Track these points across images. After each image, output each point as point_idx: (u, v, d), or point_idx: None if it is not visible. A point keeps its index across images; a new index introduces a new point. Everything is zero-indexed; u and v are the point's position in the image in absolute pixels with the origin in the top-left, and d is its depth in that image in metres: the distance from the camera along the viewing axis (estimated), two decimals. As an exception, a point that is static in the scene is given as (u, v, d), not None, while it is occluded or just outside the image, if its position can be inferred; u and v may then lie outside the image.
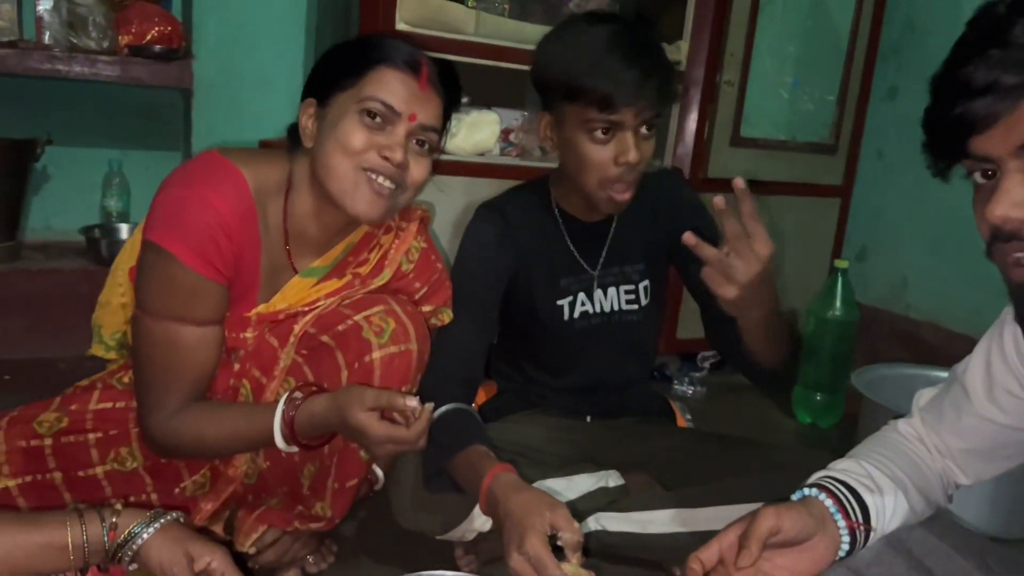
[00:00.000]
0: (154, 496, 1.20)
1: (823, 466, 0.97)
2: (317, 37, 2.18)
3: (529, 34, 1.89)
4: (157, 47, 1.99)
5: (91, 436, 1.16)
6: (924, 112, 0.75)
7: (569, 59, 1.25)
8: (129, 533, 0.91)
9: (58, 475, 1.14)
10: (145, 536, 0.91)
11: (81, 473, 1.16)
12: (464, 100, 2.05)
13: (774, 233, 2.48)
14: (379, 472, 1.33)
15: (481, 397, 1.51)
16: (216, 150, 1.12)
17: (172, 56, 1.98)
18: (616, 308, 1.45)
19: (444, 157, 1.88)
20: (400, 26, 1.73)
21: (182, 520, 0.97)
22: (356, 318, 1.15)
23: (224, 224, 1.06)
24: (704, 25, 2.08)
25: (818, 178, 2.38)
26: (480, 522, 1.21)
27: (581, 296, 1.43)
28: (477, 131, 1.91)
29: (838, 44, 2.32)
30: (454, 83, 1.19)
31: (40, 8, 2.04)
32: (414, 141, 1.12)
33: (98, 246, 2.04)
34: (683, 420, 1.57)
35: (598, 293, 1.44)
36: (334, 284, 1.20)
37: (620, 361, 1.48)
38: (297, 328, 1.16)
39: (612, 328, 1.45)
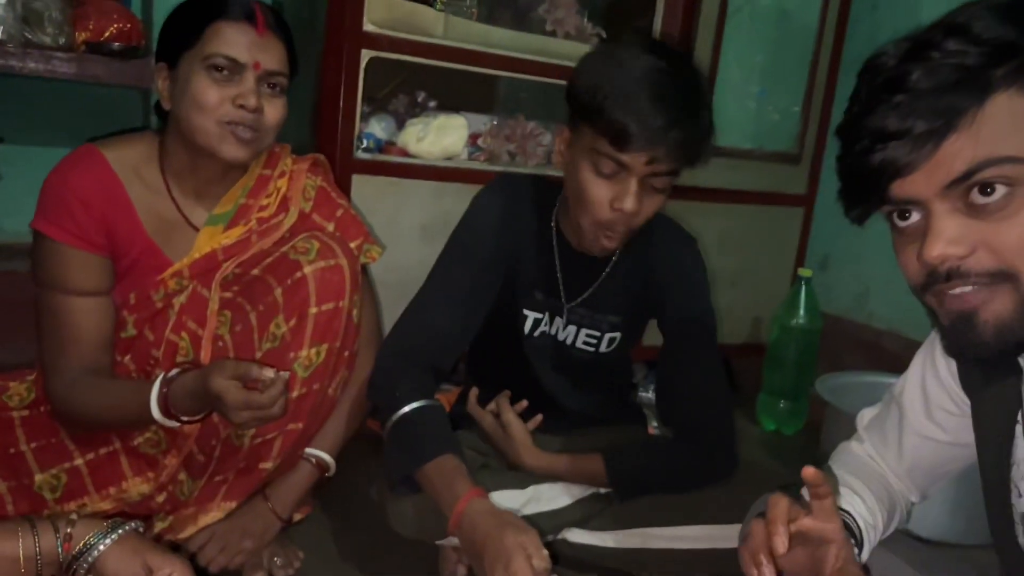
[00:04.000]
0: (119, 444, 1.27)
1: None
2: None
3: (497, 38, 1.88)
4: (115, 44, 1.94)
5: (15, 414, 1.25)
6: (838, 161, 0.77)
7: (599, 81, 1.15)
8: (85, 544, 0.87)
9: (25, 446, 1.21)
10: (102, 547, 0.88)
11: (49, 441, 1.23)
12: (432, 104, 2.04)
13: (740, 241, 2.50)
14: (330, 460, 1.33)
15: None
16: (89, 141, 1.25)
17: (131, 54, 1.93)
18: (571, 343, 1.41)
19: (412, 161, 1.87)
20: (368, 28, 1.71)
21: (141, 530, 0.93)
22: (282, 249, 1.23)
23: (79, 196, 1.17)
24: (672, 32, 2.08)
25: (783, 187, 2.40)
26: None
27: (546, 316, 1.39)
28: (445, 135, 1.89)
29: (803, 55, 2.35)
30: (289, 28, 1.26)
31: (-7, 2, 1.98)
32: (265, 85, 1.19)
33: (52, 248, 1.98)
34: (651, 428, 1.56)
35: (559, 322, 1.39)
36: (240, 230, 1.27)
37: (571, 387, 1.44)
38: (218, 275, 1.24)
39: (560, 354, 1.42)
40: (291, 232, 1.29)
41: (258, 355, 1.21)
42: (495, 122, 2.02)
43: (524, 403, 1.38)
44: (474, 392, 1.41)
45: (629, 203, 1.16)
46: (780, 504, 0.81)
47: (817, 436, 1.91)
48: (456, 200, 1.87)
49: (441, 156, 1.89)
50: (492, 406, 1.39)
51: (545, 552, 1.04)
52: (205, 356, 1.24)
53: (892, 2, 2.37)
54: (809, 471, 0.80)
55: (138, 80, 1.95)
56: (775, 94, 2.33)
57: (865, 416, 1.08)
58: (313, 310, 1.19)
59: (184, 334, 1.25)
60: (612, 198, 1.17)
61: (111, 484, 1.25)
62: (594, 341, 1.41)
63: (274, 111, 1.21)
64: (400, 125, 1.94)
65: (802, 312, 2.12)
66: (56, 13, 1.88)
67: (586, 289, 1.37)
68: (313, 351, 1.20)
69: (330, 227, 1.34)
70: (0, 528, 0.86)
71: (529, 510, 1.28)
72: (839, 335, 2.43)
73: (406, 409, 1.20)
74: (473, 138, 1.98)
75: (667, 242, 1.37)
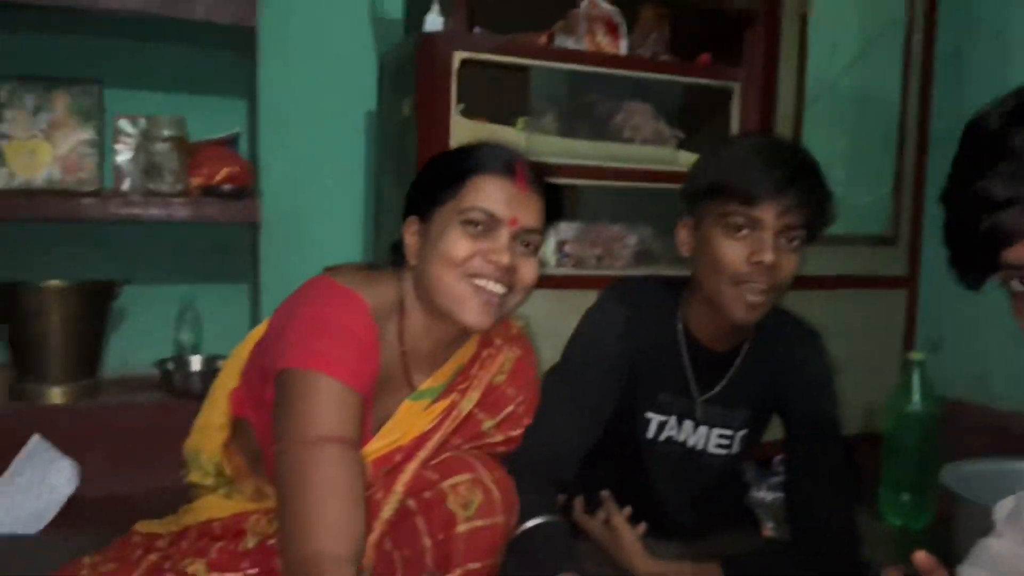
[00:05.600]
0: None
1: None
2: (377, 169, 2.28)
3: (578, 150, 1.95)
4: (227, 186, 2.10)
5: None
6: (944, 228, 0.76)
7: (717, 160, 1.25)
8: None
9: None
10: None
11: None
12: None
13: (843, 327, 2.42)
14: None
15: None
16: (327, 275, 1.12)
17: (241, 194, 2.09)
18: (702, 448, 1.37)
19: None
20: (454, 151, 1.80)
21: None
22: (443, 485, 1.12)
23: (360, 339, 1.05)
24: (750, 128, 2.11)
25: (881, 270, 2.34)
26: None
27: (672, 420, 1.36)
28: (533, 245, 1.94)
29: (887, 136, 2.33)
30: (552, 184, 1.18)
31: (119, 158, 2.19)
32: (519, 243, 1.11)
33: (172, 379, 2.10)
34: (767, 529, 1.50)
35: (689, 425, 1.36)
36: (441, 406, 1.19)
37: (687, 496, 1.41)
38: (400, 482, 1.13)
39: (690, 464, 1.38)
40: (477, 407, 1.21)
41: None
42: (580, 228, 2.07)
43: (628, 510, 1.35)
44: (579, 501, 1.39)
45: (768, 255, 1.17)
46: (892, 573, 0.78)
47: (947, 530, 1.78)
48: (545, 306, 1.89)
49: (530, 265, 1.94)
50: (601, 514, 1.36)
51: None
52: (368, 562, 1.12)
53: (977, 76, 2.35)
54: (920, 555, 0.76)
55: (248, 217, 2.10)
56: (862, 177, 2.31)
57: (1003, 508, 1.01)
58: (458, 572, 1.10)
59: None
60: (749, 253, 1.19)
61: None
62: (727, 442, 1.37)
63: (528, 270, 1.12)
64: (489, 239, 2.00)
65: (917, 398, 2.01)
66: (174, 163, 2.06)
67: (717, 383, 1.35)
68: None
69: (520, 400, 1.24)
70: None
71: None
72: (960, 420, 2.30)
73: (528, 525, 1.19)
74: (560, 245, 2.02)
75: (792, 337, 1.37)
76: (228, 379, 1.24)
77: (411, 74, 1.87)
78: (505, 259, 1.08)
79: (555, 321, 1.40)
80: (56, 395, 2.00)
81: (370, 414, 1.13)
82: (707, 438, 1.37)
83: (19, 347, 2.01)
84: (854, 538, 1.30)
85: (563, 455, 1.29)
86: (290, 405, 1.02)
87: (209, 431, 1.24)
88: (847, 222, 2.30)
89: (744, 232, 1.19)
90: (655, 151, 2.04)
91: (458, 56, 1.80)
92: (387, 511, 1.12)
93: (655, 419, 1.36)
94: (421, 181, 1.18)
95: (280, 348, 1.06)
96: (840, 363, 2.28)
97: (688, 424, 1.36)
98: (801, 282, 2.19)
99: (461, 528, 1.09)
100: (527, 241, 1.12)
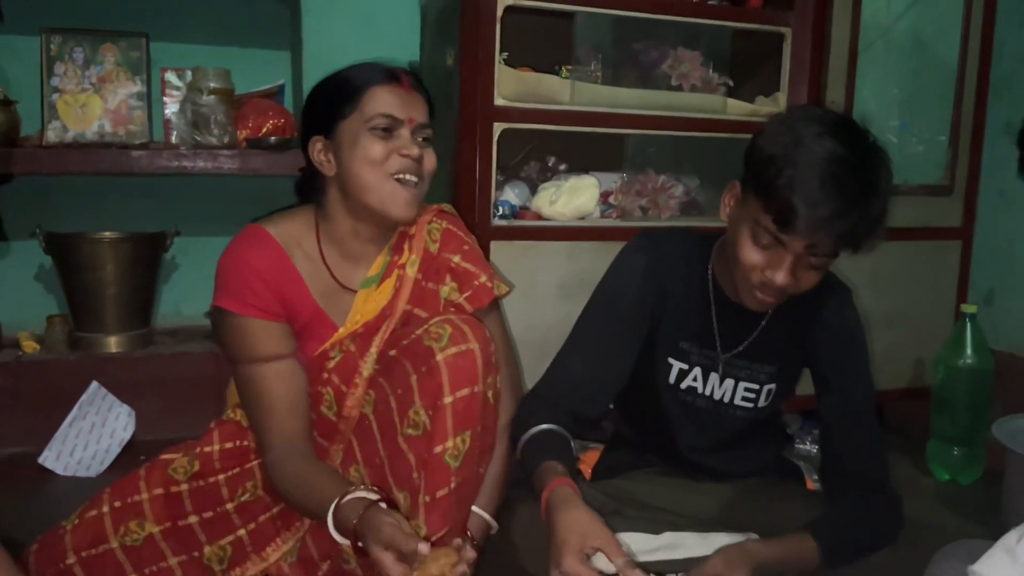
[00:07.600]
0: (276, 509, 1.36)
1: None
2: (418, 118, 2.26)
3: (623, 98, 1.92)
4: (272, 139, 2.12)
5: (220, 476, 1.35)
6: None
7: (775, 153, 1.14)
8: None
9: (194, 518, 1.31)
10: None
11: (215, 511, 1.32)
12: (563, 167, 2.09)
13: (894, 280, 2.37)
14: (492, 521, 1.34)
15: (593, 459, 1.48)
16: (252, 222, 1.35)
17: (286, 146, 2.10)
18: (728, 400, 1.37)
19: (545, 224, 1.91)
20: (499, 102, 1.79)
21: None
22: (417, 332, 1.26)
23: (255, 271, 1.28)
24: (801, 74, 2.05)
25: (935, 221, 2.28)
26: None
27: (696, 371, 1.36)
28: (577, 196, 1.92)
29: (945, 83, 2.24)
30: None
31: (167, 111, 2.22)
32: (418, 138, 1.31)
33: (222, 328, 2.15)
34: (811, 482, 1.49)
35: (714, 378, 1.36)
36: (391, 283, 1.35)
37: (715, 445, 1.40)
38: (376, 339, 1.31)
39: (715, 416, 1.38)
40: (423, 274, 1.36)
41: (399, 439, 1.24)
42: (625, 178, 2.04)
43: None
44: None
45: (780, 277, 1.16)
46: None
47: (998, 486, 1.76)
48: (591, 258, 1.89)
49: (574, 216, 1.93)
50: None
51: (620, 548, 1.03)
52: (349, 413, 1.31)
53: (1041, 18, 2.24)
54: None
55: (293, 169, 2.10)
56: (917, 126, 2.24)
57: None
58: (448, 399, 1.20)
59: (329, 389, 1.31)
60: (765, 266, 1.18)
61: (267, 545, 1.35)
62: (752, 396, 1.37)
63: (430, 159, 1.33)
64: (533, 190, 2.00)
65: (969, 351, 1.98)
66: (220, 116, 2.08)
67: (744, 339, 1.35)
68: (458, 439, 1.21)
69: (456, 259, 1.37)
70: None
71: (661, 555, 1.24)
72: (1014, 373, 2.25)
73: (533, 431, 1.27)
74: (604, 196, 2.00)
75: (823, 292, 1.30)
76: None
77: (454, 23, 1.85)
78: (415, 150, 1.29)
79: (600, 273, 1.40)
80: (112, 344, 2.06)
81: (324, 320, 1.32)
82: (733, 390, 1.37)
83: (75, 297, 2.07)
84: (895, 495, 1.31)
85: (578, 391, 1.33)
86: (221, 336, 1.33)
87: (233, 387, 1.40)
88: (901, 171, 2.23)
89: (768, 245, 1.16)
90: (703, 99, 1.99)
91: (502, 3, 1.77)
92: (366, 369, 1.30)
93: (676, 365, 1.36)
94: (318, 103, 1.34)
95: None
96: (890, 316, 2.26)
97: (714, 377, 1.36)
98: (851, 233, 2.16)
99: (439, 358, 1.21)
100: (423, 136, 1.32)
